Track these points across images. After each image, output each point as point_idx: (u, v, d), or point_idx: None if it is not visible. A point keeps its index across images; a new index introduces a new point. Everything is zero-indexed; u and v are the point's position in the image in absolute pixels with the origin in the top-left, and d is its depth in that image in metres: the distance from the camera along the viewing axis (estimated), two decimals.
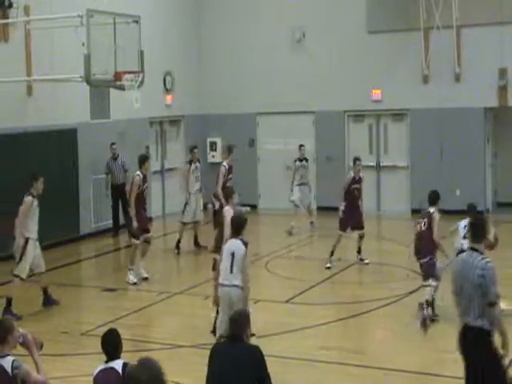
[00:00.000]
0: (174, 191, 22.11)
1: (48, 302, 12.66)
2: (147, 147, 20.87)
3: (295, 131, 22.06)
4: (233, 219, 9.53)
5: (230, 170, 16.04)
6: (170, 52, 21.66)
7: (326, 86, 21.50)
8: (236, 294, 9.22)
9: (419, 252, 11.70)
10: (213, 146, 22.85)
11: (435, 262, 11.52)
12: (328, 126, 21.72)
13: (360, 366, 9.71)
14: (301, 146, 19.49)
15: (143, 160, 14.60)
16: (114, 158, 18.87)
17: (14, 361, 6.09)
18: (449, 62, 20.11)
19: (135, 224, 14.08)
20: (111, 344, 6.31)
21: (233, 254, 9.19)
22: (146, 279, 14.37)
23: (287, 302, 11.90)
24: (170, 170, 22.23)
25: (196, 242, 16.92)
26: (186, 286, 13.92)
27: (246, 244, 9.27)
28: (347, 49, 21.38)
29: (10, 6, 16.08)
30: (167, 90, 21.89)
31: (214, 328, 10.21)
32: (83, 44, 13.27)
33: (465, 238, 11.43)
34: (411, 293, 13.02)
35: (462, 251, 10.68)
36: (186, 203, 16.73)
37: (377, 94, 21.26)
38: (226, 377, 6.30)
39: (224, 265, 9.31)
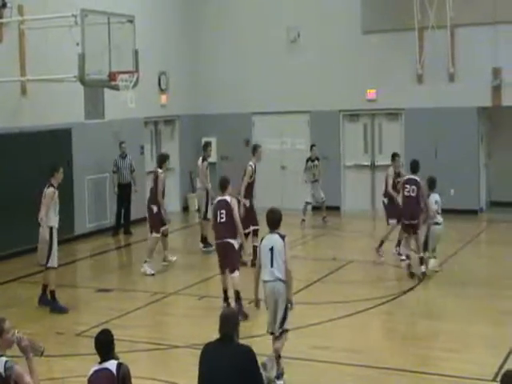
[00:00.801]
0: (168, 191, 22.12)
1: (42, 301, 12.64)
2: (142, 147, 20.87)
3: (290, 131, 22.10)
4: (268, 214, 9.38)
5: (255, 169, 15.76)
6: (164, 52, 21.64)
7: (321, 85, 21.51)
8: (279, 287, 9.10)
9: (412, 215, 13.84)
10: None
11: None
12: (323, 126, 21.74)
13: (356, 366, 9.71)
14: (312, 146, 20.10)
15: (164, 159, 15.54)
16: (123, 156, 19.06)
17: (6, 361, 6.06)
18: (443, 62, 20.13)
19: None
20: (104, 344, 6.30)
21: (271, 249, 9.07)
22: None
23: None
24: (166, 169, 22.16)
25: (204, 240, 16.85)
26: (180, 286, 13.91)
27: (283, 237, 9.14)
28: (342, 49, 21.38)
29: (4, 5, 16.04)
30: (162, 90, 21.88)
31: None
32: (78, 44, 13.23)
33: (438, 213, 13.96)
34: (406, 292, 13.04)
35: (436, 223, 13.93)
36: (207, 200, 16.63)
37: (371, 93, 21.28)
38: (219, 376, 6.29)
39: (263, 262, 9.18)
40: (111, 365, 6.14)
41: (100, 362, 6.22)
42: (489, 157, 21.54)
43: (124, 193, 19.06)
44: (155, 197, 14.97)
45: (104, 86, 15.36)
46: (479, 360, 9.75)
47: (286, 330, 9.22)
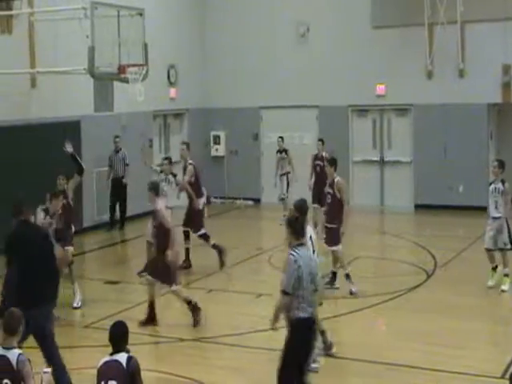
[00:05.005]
0: None
1: None
2: (150, 140, 20.87)
3: (299, 125, 22.07)
4: (304, 205, 10.04)
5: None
6: (174, 45, 21.63)
7: (330, 80, 21.48)
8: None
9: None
10: (216, 139, 22.85)
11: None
12: (332, 121, 21.70)
13: (363, 361, 9.72)
14: (279, 137, 19.78)
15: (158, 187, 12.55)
16: (117, 150, 18.95)
17: (19, 355, 6.05)
18: (453, 58, 20.09)
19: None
20: (118, 336, 6.26)
21: (311, 238, 9.85)
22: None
23: None
24: (174, 163, 22.16)
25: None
26: (188, 279, 13.90)
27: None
28: (351, 43, 21.35)
29: None
30: (171, 83, 21.89)
31: None
32: (87, 36, 13.24)
33: None
34: (413, 288, 13.02)
35: None
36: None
37: (381, 88, 21.24)
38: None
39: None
40: (121, 357, 6.12)
41: (111, 354, 6.20)
42: (498, 153, 21.45)
43: (118, 187, 18.86)
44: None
45: (113, 78, 15.36)
46: (486, 357, 9.74)
47: None
